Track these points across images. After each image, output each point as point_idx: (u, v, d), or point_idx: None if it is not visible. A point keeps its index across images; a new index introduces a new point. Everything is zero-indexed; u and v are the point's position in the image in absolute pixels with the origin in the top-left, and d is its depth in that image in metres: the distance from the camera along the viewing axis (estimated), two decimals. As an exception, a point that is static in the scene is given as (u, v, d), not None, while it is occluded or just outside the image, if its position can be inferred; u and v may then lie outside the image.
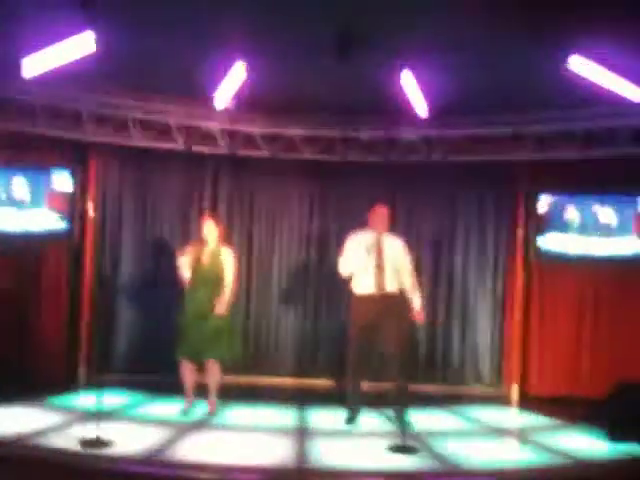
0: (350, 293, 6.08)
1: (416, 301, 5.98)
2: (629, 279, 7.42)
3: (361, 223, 7.82)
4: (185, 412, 6.08)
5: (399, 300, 5.96)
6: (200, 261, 6.03)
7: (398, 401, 5.96)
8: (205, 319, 5.95)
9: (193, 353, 5.99)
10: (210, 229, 6.11)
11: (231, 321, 6.15)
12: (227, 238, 6.47)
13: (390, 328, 5.83)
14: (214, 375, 6.09)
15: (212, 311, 5.95)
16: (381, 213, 6.04)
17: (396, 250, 5.99)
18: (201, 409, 6.17)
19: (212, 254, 6.07)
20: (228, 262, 6.12)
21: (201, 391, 6.22)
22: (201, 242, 6.12)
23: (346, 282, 6.12)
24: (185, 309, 6.04)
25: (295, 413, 6.49)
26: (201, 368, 6.15)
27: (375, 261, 5.86)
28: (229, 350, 6.10)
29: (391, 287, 5.90)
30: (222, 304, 6.00)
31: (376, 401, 6.44)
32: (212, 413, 6.12)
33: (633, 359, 7.12)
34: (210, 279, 6.01)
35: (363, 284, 5.93)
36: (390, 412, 6.16)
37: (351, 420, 6.01)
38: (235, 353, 6.19)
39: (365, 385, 6.21)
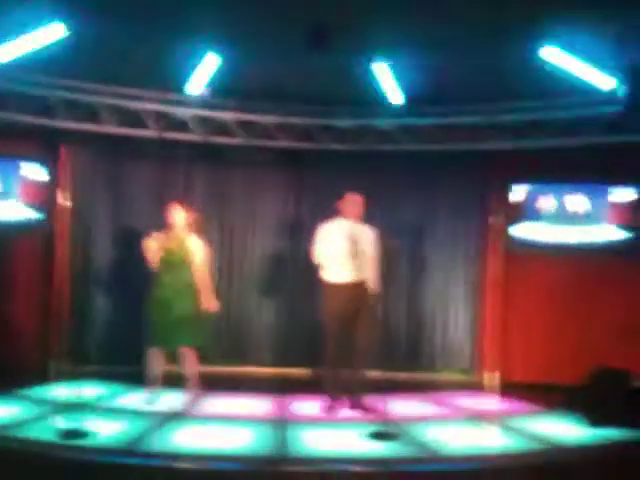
0: (322, 282, 6.04)
1: (375, 285, 5.99)
2: (603, 267, 7.50)
3: (334, 211, 7.98)
4: (149, 401, 6.00)
5: (368, 288, 5.98)
6: (167, 248, 5.97)
7: (357, 385, 6.00)
8: (169, 305, 5.89)
9: (162, 341, 5.92)
10: (177, 215, 6.05)
11: (197, 307, 6.05)
12: (202, 227, 6.37)
13: (363, 317, 5.89)
14: (191, 363, 6.04)
15: (179, 298, 5.91)
16: (353, 201, 6.03)
17: (369, 238, 6.00)
18: (173, 397, 6.11)
19: (179, 240, 6.02)
20: (197, 249, 6.07)
21: (173, 380, 6.16)
22: (169, 228, 6.05)
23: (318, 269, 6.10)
24: (154, 297, 5.98)
25: (275, 402, 6.45)
26: (171, 356, 6.08)
27: (350, 250, 5.85)
28: (198, 336, 6.06)
29: (364, 276, 5.91)
30: (209, 298, 6.02)
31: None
32: (192, 402, 6.05)
33: (608, 345, 7.19)
34: (177, 266, 5.97)
35: (337, 273, 5.91)
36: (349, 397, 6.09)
37: (328, 410, 6.01)
38: (199, 341, 6.12)
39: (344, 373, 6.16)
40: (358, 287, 5.88)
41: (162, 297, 5.93)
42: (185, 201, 7.04)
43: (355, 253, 5.86)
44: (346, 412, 6.01)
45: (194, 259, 6.03)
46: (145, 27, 6.02)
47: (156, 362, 6.00)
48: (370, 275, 5.98)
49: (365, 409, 5.94)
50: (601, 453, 5.03)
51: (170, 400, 6.06)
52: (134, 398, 6.23)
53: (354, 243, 5.87)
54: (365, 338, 5.93)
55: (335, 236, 5.90)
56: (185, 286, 5.97)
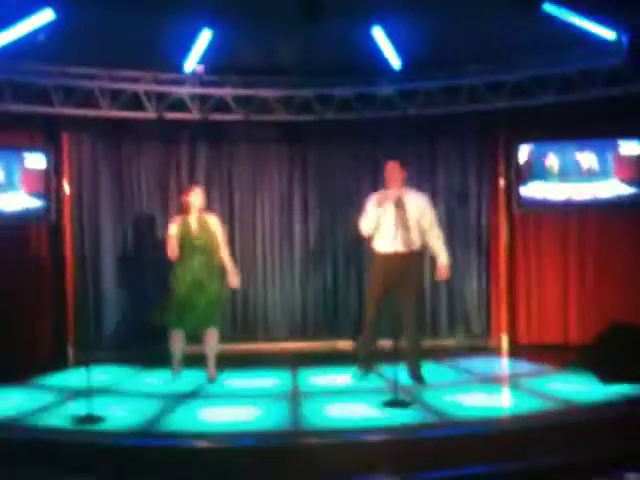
0: (371, 251, 6.04)
1: (442, 258, 5.87)
2: (612, 223, 7.45)
3: (346, 182, 7.93)
4: (172, 381, 6.09)
5: (418, 257, 5.91)
6: (188, 231, 5.99)
7: (412, 356, 5.96)
8: (202, 287, 5.94)
9: (191, 322, 5.97)
10: (197, 198, 6.06)
11: (224, 287, 6.16)
12: (208, 206, 6.39)
13: (409, 286, 5.81)
14: (212, 343, 6.11)
15: (208, 279, 5.96)
16: (391, 169, 5.93)
17: (419, 206, 5.87)
18: (194, 378, 6.17)
19: (200, 222, 6.04)
20: (218, 229, 6.12)
21: (192, 360, 6.24)
22: (187, 211, 6.07)
23: (364, 240, 6.17)
24: (178, 279, 5.99)
25: (290, 376, 6.47)
26: (191, 337, 6.15)
27: (396, 219, 5.71)
28: (220, 317, 6.18)
29: (413, 245, 5.81)
30: (233, 276, 6.09)
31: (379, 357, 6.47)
32: (212, 380, 6.13)
33: (619, 303, 7.19)
34: (202, 247, 5.99)
35: (386, 241, 5.83)
36: (404, 367, 5.98)
37: (363, 376, 6.03)
38: (221, 318, 6.26)
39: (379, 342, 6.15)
40: (406, 256, 5.75)
41: (194, 280, 5.94)
42: (193, 182, 7.12)
43: (401, 222, 5.72)
44: (376, 380, 6.03)
45: (217, 239, 6.07)
46: (136, 6, 5.96)
47: (179, 343, 6.07)
48: (434, 243, 5.89)
49: (419, 378, 5.91)
50: (615, 410, 5.01)
51: (191, 379, 6.13)
52: (151, 380, 6.30)
53: (401, 211, 5.75)
54: (412, 308, 5.87)
55: (382, 206, 5.79)
56: (213, 267, 6.03)
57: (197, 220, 6.04)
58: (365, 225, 5.94)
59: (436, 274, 5.97)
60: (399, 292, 5.86)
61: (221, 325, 6.27)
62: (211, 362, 6.15)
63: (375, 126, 7.77)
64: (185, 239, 5.97)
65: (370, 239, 6.02)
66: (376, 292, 5.95)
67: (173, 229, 6.00)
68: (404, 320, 5.90)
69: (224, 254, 6.12)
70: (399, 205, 5.75)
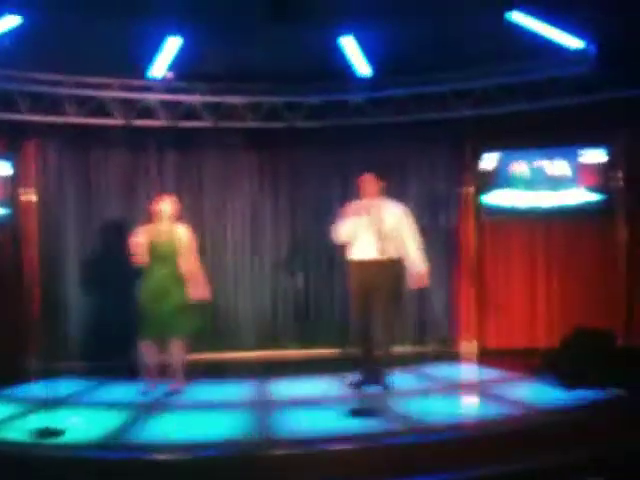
0: (346, 261, 6.07)
1: (420, 266, 5.91)
2: (577, 229, 7.54)
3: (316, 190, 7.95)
4: (145, 393, 5.98)
5: (395, 265, 5.91)
6: (156, 240, 5.92)
7: (380, 362, 5.99)
8: (166, 297, 5.87)
9: (157, 332, 5.91)
10: (166, 206, 6.00)
11: (188, 296, 6.02)
12: (179, 215, 6.32)
13: (383, 293, 5.85)
14: (179, 353, 6.02)
15: (172, 288, 5.89)
16: (366, 180, 6.01)
17: (395, 216, 5.95)
18: (164, 389, 6.06)
19: (168, 232, 5.97)
20: (185, 239, 6.04)
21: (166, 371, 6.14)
22: (155, 220, 5.99)
23: (337, 248, 6.19)
24: (144, 288, 5.93)
25: (258, 385, 6.44)
26: (163, 348, 6.06)
27: (372, 227, 5.81)
28: (190, 324, 6.03)
29: (391, 253, 5.85)
30: (201, 287, 5.99)
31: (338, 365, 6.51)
32: (179, 392, 6.02)
33: (586, 308, 7.28)
34: (167, 256, 5.92)
35: (362, 250, 5.90)
36: (372, 373, 6.06)
37: (360, 384, 6.00)
38: (195, 325, 6.10)
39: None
40: (382, 264, 5.78)
41: (156, 288, 5.87)
42: (163, 190, 7.05)
43: (377, 231, 5.80)
44: (332, 388, 6.05)
45: (183, 249, 5.99)
46: (104, 13, 5.92)
47: (152, 354, 5.98)
48: (408, 252, 5.92)
49: (383, 385, 5.92)
50: (579, 414, 5.06)
51: (161, 390, 6.02)
52: (117, 391, 6.21)
53: (374, 221, 5.82)
54: (384, 316, 5.90)
55: (358, 215, 5.89)
56: (177, 276, 5.94)
57: (166, 229, 5.97)
58: (341, 234, 5.98)
59: (413, 283, 5.96)
60: (376, 299, 5.90)
61: (192, 335, 6.13)
62: (177, 373, 6.06)
63: (344, 133, 7.77)
64: (153, 248, 5.90)
65: (344, 247, 6.04)
66: (359, 301, 5.98)
67: (142, 236, 5.92)
68: (377, 327, 5.93)
69: (192, 265, 6.01)
70: (375, 215, 5.82)
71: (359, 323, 6.03)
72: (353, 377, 6.09)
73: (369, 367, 6.04)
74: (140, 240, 5.89)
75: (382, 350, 5.98)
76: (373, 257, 5.81)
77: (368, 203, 5.93)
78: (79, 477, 4.16)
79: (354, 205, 6.01)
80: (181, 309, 5.92)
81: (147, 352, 5.98)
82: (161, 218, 5.97)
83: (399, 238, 5.90)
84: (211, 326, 7.78)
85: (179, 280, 5.95)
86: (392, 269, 5.88)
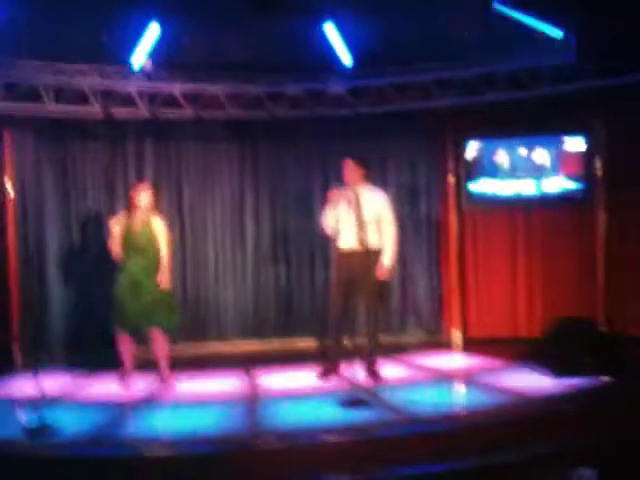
0: (335, 249, 6.05)
1: (385, 258, 5.86)
2: (558, 218, 7.57)
3: (297, 180, 7.91)
4: (126, 387, 5.93)
5: (377, 255, 5.86)
6: (131, 230, 5.85)
7: (369, 353, 5.99)
8: (140, 289, 5.81)
9: (132, 325, 5.85)
10: (144, 197, 5.92)
11: (167, 289, 5.98)
12: (156, 206, 6.23)
13: (368, 284, 5.80)
14: (160, 345, 5.96)
15: (147, 280, 5.83)
16: (346, 167, 5.97)
17: (375, 203, 5.90)
18: (145, 382, 6.02)
19: (143, 223, 5.90)
20: (160, 230, 5.97)
21: (142, 364, 6.09)
22: (131, 211, 5.91)
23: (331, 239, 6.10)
24: (120, 281, 5.87)
25: (244, 378, 6.39)
26: (140, 340, 6.01)
27: (354, 216, 5.78)
28: (167, 318, 5.97)
29: (372, 241, 5.81)
30: (165, 276, 5.90)
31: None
32: (166, 385, 5.98)
33: (566, 296, 7.36)
34: (142, 248, 5.86)
35: (345, 239, 5.88)
36: (361, 364, 6.05)
37: (327, 374, 6.00)
38: (173, 320, 6.06)
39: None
40: (363, 255, 5.71)
41: (132, 281, 5.82)
42: (142, 181, 6.94)
43: (361, 219, 5.76)
44: (339, 378, 5.99)
45: (158, 240, 5.93)
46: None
47: (128, 347, 5.94)
48: (384, 241, 5.88)
49: (375, 375, 5.94)
50: (567, 402, 5.12)
51: (142, 384, 5.97)
52: (103, 385, 6.12)
53: (358, 209, 5.78)
54: (371, 305, 5.90)
55: (341, 203, 5.85)
56: (152, 268, 5.88)
57: (141, 220, 5.90)
58: (326, 223, 5.98)
59: (379, 274, 5.90)
60: (359, 290, 5.88)
61: (172, 327, 6.09)
62: (161, 365, 6.00)
63: (325, 123, 7.71)
64: (127, 239, 5.84)
65: (333, 236, 6.02)
66: (338, 290, 5.95)
67: (115, 228, 5.85)
68: (365, 318, 5.95)
69: (163, 256, 5.94)
70: (354, 203, 5.77)
71: (334, 312, 5.99)
72: (321, 368, 6.08)
73: (338, 358, 6.03)
74: (114, 229, 5.82)
75: (371, 341, 5.97)
76: (355, 247, 5.78)
77: (349, 190, 5.89)
78: (69, 474, 4.10)
79: (335, 192, 5.96)
80: (157, 302, 5.86)
81: (124, 345, 5.93)
82: (137, 208, 5.90)
83: (379, 226, 5.88)
84: (193, 319, 7.77)
85: (153, 272, 5.88)
86: (373, 259, 5.82)
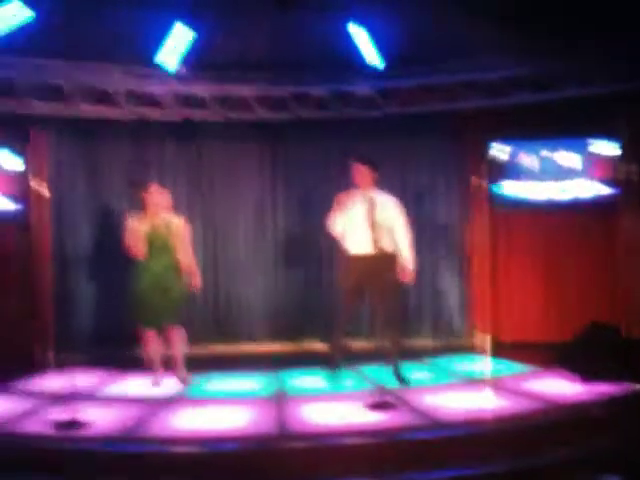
0: (344, 253, 6.02)
1: (406, 260, 5.86)
2: (589, 222, 7.54)
3: (321, 181, 7.90)
4: (156, 384, 6.01)
5: (391, 259, 5.85)
6: (155, 230, 5.93)
7: (393, 356, 5.98)
8: (167, 287, 5.91)
9: (159, 322, 5.94)
10: (161, 197, 6.02)
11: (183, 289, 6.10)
12: (183, 206, 6.33)
13: (381, 286, 5.79)
14: (179, 343, 6.05)
15: (172, 278, 5.95)
16: (357, 170, 5.95)
17: (387, 208, 5.89)
18: (172, 380, 6.08)
19: (165, 222, 5.99)
20: (180, 229, 6.07)
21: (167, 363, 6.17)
22: (149, 211, 5.99)
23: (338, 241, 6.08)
24: (143, 279, 5.94)
25: (271, 378, 6.42)
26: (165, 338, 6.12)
27: (366, 220, 5.78)
28: (180, 314, 6.08)
29: (383, 246, 5.80)
30: (196, 276, 6.04)
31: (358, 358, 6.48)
32: (185, 383, 6.05)
33: (599, 301, 7.31)
34: (166, 247, 5.96)
35: (355, 243, 5.86)
36: (386, 368, 6.06)
37: (333, 376, 6.00)
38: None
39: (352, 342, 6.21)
40: (377, 258, 5.75)
41: (156, 279, 5.91)
42: (162, 181, 7.01)
43: (370, 223, 5.77)
44: (345, 382, 6.01)
45: (178, 239, 6.02)
46: (111, 1, 5.87)
47: (155, 345, 6.03)
48: (401, 245, 5.87)
49: (400, 378, 5.92)
50: (596, 408, 5.06)
51: (170, 383, 6.06)
52: (129, 383, 6.21)
53: (371, 213, 5.78)
54: (388, 309, 5.86)
55: (351, 206, 5.83)
56: (173, 266, 5.98)
57: (163, 220, 5.99)
58: (334, 225, 5.94)
59: (402, 277, 5.90)
60: (375, 294, 5.86)
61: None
62: (179, 363, 6.08)
63: (349, 125, 7.72)
64: (151, 239, 5.92)
65: (341, 239, 6.00)
66: (348, 294, 5.94)
67: (139, 226, 5.90)
68: (384, 321, 5.91)
69: (187, 256, 6.06)
70: (368, 206, 5.78)
71: (343, 316, 5.99)
72: (328, 370, 6.08)
73: (339, 359, 6.04)
74: (135, 227, 5.88)
75: (394, 345, 5.96)
76: (367, 251, 5.78)
77: (361, 194, 5.88)
78: (96, 470, 4.14)
79: (346, 195, 5.91)
80: (179, 301, 6.00)
81: (150, 343, 6.01)
82: (156, 209, 5.98)
83: (391, 231, 5.86)
84: (222, 319, 7.81)
85: (177, 271, 6.00)
86: (388, 263, 5.83)
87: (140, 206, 6.03)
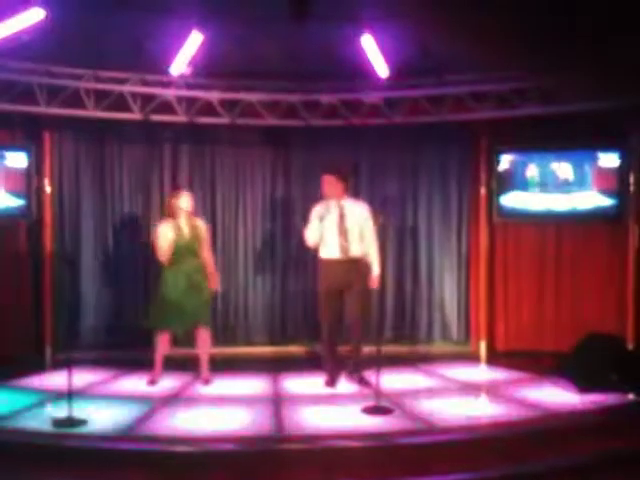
0: (317, 259, 6.28)
1: (374, 267, 6.12)
2: (589, 233, 7.53)
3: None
4: (153, 383, 6.15)
5: (362, 264, 6.11)
6: (182, 234, 6.10)
7: (357, 363, 6.16)
8: (199, 290, 6.12)
9: (183, 325, 6.12)
10: (186, 201, 6.18)
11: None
12: (196, 209, 6.50)
13: (353, 292, 6.04)
14: (207, 344, 6.26)
15: (202, 280, 6.16)
16: (326, 181, 6.20)
17: (358, 215, 6.14)
18: (174, 381, 6.20)
19: (191, 226, 6.18)
20: (205, 233, 6.30)
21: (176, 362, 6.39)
22: (173, 216, 6.14)
23: (313, 250, 6.34)
24: (171, 282, 6.08)
25: (270, 381, 6.50)
26: (176, 341, 6.38)
27: (337, 227, 6.05)
28: (209, 317, 6.35)
29: (355, 252, 6.07)
30: (215, 277, 6.31)
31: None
32: (208, 383, 6.22)
33: (595, 312, 7.32)
34: (194, 250, 6.15)
35: (328, 249, 6.12)
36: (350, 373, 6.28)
37: (330, 383, 6.15)
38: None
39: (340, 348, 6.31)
40: (347, 264, 6.04)
41: (188, 282, 6.08)
42: (179, 186, 7.16)
43: (343, 230, 6.05)
44: (344, 386, 6.13)
45: (203, 242, 6.24)
46: (124, 7, 5.95)
47: (166, 346, 6.18)
48: (370, 251, 6.11)
49: (364, 383, 6.07)
50: (590, 417, 5.12)
51: (172, 382, 6.21)
52: (132, 382, 6.30)
53: (342, 220, 6.06)
54: (354, 313, 6.05)
55: (324, 216, 6.08)
56: (200, 268, 6.18)
57: (189, 224, 6.16)
58: (310, 236, 6.17)
59: (369, 283, 6.13)
60: (345, 298, 6.09)
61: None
62: (205, 363, 6.27)
63: (359, 132, 7.80)
64: (177, 243, 6.07)
65: (316, 248, 6.23)
66: (326, 299, 6.15)
67: (169, 233, 6.04)
68: (348, 320, 6.11)
69: (208, 257, 6.29)
70: (338, 215, 6.07)
71: (325, 322, 6.19)
72: (323, 376, 6.27)
73: (337, 365, 6.22)
74: (168, 237, 6.04)
75: (356, 347, 6.13)
76: (338, 256, 6.05)
77: (334, 203, 6.11)
78: (97, 467, 4.21)
79: (319, 206, 6.18)
80: (208, 301, 6.26)
81: (162, 344, 6.14)
82: (180, 213, 6.13)
83: (362, 237, 6.10)
84: (222, 320, 7.89)
85: (202, 274, 6.20)
86: (358, 268, 6.07)
87: (165, 211, 6.21)
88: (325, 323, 6.20)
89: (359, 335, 6.11)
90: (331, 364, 6.23)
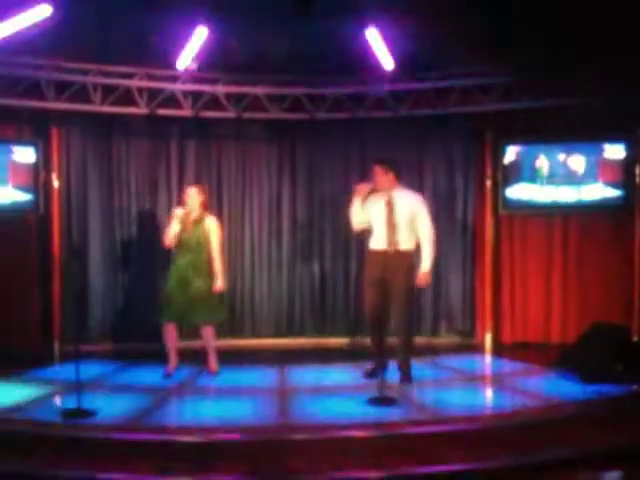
0: (366, 249, 6.17)
1: (423, 264, 5.88)
2: (595, 225, 7.54)
3: (335, 181, 8.05)
4: (169, 375, 6.18)
5: (408, 258, 5.92)
6: (185, 228, 6.12)
7: (403, 355, 6.01)
8: (188, 284, 6.09)
9: (178, 316, 6.13)
10: (193, 197, 6.18)
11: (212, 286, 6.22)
12: (208, 206, 6.51)
13: (397, 285, 5.84)
14: (208, 340, 6.28)
15: (194, 278, 6.11)
16: (376, 172, 5.98)
17: (409, 206, 5.91)
18: (185, 372, 6.27)
19: (195, 222, 6.17)
20: (213, 231, 6.24)
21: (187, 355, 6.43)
22: (186, 209, 6.18)
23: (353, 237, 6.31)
24: (171, 275, 6.18)
25: (277, 373, 6.53)
26: (183, 332, 6.40)
27: (385, 218, 5.87)
28: (212, 314, 6.26)
29: (403, 245, 5.88)
30: (220, 279, 6.20)
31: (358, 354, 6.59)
32: (213, 375, 6.28)
33: (601, 303, 7.32)
34: (192, 246, 6.13)
35: (375, 240, 5.97)
36: (394, 365, 6.09)
37: (373, 374, 5.98)
38: (218, 317, 6.40)
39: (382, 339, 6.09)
40: (393, 256, 5.82)
41: (180, 277, 6.11)
42: (182, 178, 7.20)
43: (389, 223, 5.85)
44: (388, 376, 5.97)
45: (210, 240, 6.20)
46: (131, 2, 5.98)
47: (173, 337, 6.21)
48: (422, 245, 5.89)
49: (406, 376, 5.96)
50: (594, 408, 5.13)
51: (183, 374, 6.24)
52: (140, 374, 6.36)
53: (390, 212, 5.86)
54: (398, 307, 5.90)
55: (372, 205, 5.94)
56: (200, 266, 6.15)
57: (194, 220, 6.16)
58: (354, 219, 6.04)
59: (418, 280, 5.94)
60: (389, 291, 5.89)
61: (216, 323, 6.37)
62: (209, 356, 6.34)
63: (364, 125, 7.82)
64: (179, 237, 6.11)
65: (363, 235, 6.08)
66: (371, 290, 5.93)
67: (176, 223, 6.09)
68: (394, 319, 5.98)
69: (216, 256, 6.21)
70: (388, 206, 5.86)
71: (370, 312, 6.02)
72: (368, 367, 6.16)
73: (382, 357, 5.99)
74: (175, 224, 6.08)
75: (404, 342, 5.99)
76: (384, 248, 5.87)
77: (382, 194, 5.94)
78: (104, 457, 4.26)
79: (364, 188, 5.97)
80: (203, 298, 6.13)
81: (169, 335, 6.17)
82: (191, 208, 6.16)
83: (413, 230, 5.91)
84: (230, 314, 7.92)
85: (200, 270, 6.15)
86: (403, 262, 5.87)
87: (161, 202, 6.23)
88: (367, 314, 6.07)
89: (407, 329, 5.99)
90: (374, 356, 6.06)
